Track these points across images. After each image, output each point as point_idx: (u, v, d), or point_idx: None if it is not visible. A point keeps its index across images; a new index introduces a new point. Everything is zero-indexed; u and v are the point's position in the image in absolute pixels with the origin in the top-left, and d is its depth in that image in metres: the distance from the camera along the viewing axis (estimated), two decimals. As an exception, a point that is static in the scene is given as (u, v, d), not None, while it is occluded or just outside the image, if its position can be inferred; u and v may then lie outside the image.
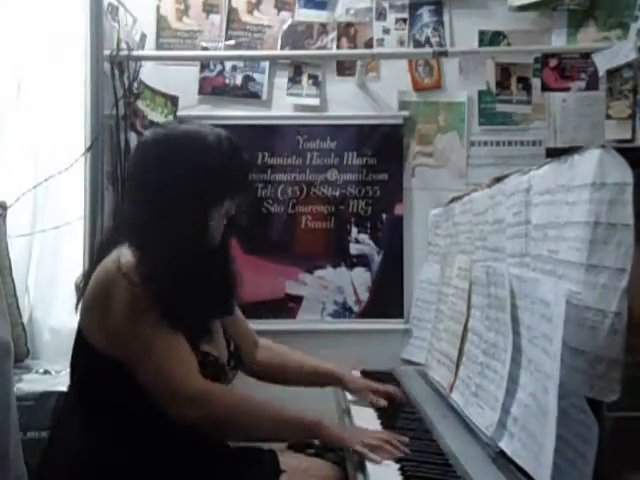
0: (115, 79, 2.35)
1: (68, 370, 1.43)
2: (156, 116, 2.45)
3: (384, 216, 2.57)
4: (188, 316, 1.30)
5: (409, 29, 2.56)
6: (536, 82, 2.49)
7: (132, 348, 1.27)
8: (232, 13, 2.59)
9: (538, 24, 2.53)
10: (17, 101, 2.32)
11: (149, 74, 2.49)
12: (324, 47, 2.57)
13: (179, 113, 2.49)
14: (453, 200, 2.10)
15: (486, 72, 2.52)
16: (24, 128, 2.33)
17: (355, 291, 2.57)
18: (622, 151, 1.01)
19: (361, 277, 2.57)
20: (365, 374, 1.86)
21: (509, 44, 2.54)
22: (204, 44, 2.58)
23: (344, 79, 2.58)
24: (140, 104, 2.43)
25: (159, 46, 2.57)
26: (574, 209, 1.11)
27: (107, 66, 2.32)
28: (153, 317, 1.26)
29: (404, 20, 2.56)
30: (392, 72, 2.58)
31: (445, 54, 2.42)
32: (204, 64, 2.57)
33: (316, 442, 1.51)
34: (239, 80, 2.59)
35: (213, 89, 2.59)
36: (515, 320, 1.23)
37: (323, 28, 2.57)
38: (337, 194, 2.58)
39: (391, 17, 2.56)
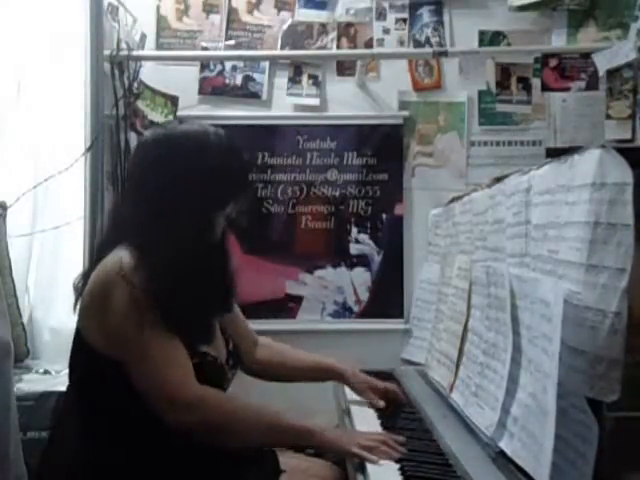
0: (115, 79, 2.35)
1: (67, 370, 1.43)
2: (156, 116, 2.45)
3: (384, 216, 2.57)
4: (188, 317, 1.30)
5: (409, 29, 2.57)
6: (536, 82, 2.49)
7: (129, 350, 1.27)
8: (232, 13, 2.59)
9: (538, 24, 2.53)
10: (17, 101, 2.32)
11: (149, 74, 2.49)
12: (324, 47, 2.57)
13: (179, 113, 2.49)
14: (453, 200, 2.10)
15: (486, 72, 2.52)
16: (24, 128, 2.33)
17: (355, 291, 2.57)
18: (622, 151, 1.01)
19: (361, 277, 2.57)
20: (365, 374, 1.86)
21: (509, 44, 2.54)
22: (204, 44, 2.58)
23: (344, 79, 2.58)
24: (140, 104, 2.43)
25: (159, 46, 2.57)
26: (574, 209, 1.11)
27: (107, 66, 2.32)
28: (151, 319, 1.26)
29: (404, 20, 2.56)
30: (392, 72, 2.58)
31: (445, 54, 2.42)
32: (204, 64, 2.58)
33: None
34: (239, 80, 2.59)
35: (213, 89, 2.59)
36: (515, 320, 1.23)
37: (323, 28, 2.57)
38: (337, 194, 2.58)
39: (391, 17, 2.56)
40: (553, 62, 2.45)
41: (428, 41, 2.55)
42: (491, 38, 2.55)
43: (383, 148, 2.56)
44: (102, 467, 1.28)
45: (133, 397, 1.27)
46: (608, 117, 2.19)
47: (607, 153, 1.03)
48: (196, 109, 2.56)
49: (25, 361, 2.28)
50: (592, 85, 2.43)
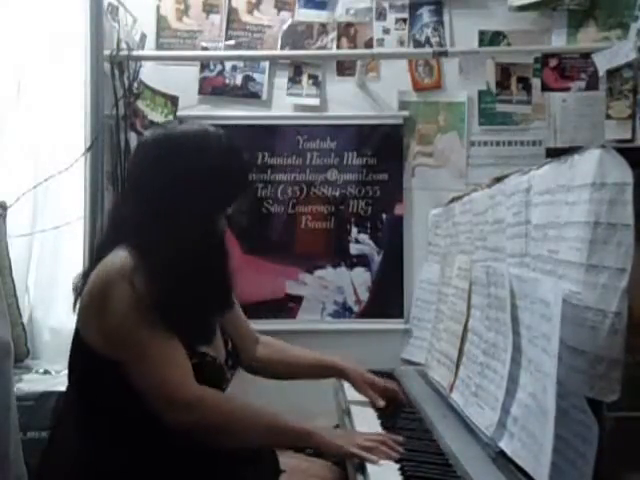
0: (115, 79, 2.36)
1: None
2: (156, 116, 2.45)
3: (384, 216, 2.57)
4: (188, 317, 1.30)
5: (409, 29, 2.57)
6: (536, 82, 2.49)
7: (128, 350, 1.27)
8: (232, 13, 2.59)
9: (538, 24, 2.53)
10: (17, 101, 2.33)
11: (149, 74, 2.49)
12: (324, 47, 2.57)
13: (179, 113, 2.49)
14: (453, 200, 2.10)
15: (486, 72, 2.52)
16: (24, 128, 2.33)
17: (355, 291, 2.57)
18: (622, 151, 1.01)
19: (361, 277, 2.57)
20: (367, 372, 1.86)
21: (509, 44, 2.54)
22: (204, 44, 2.58)
23: (344, 79, 2.58)
24: (140, 104, 2.43)
25: (159, 46, 2.57)
26: (574, 209, 1.11)
27: (107, 66, 2.32)
28: (151, 320, 1.25)
29: (404, 20, 2.56)
30: (392, 72, 2.58)
31: (445, 54, 2.42)
32: (204, 64, 2.58)
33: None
34: (239, 80, 2.59)
35: (213, 89, 2.59)
36: (515, 320, 1.23)
37: (323, 28, 2.57)
38: (337, 194, 2.58)
39: (391, 17, 2.56)
40: (553, 62, 2.45)
41: (428, 41, 2.55)
42: (491, 38, 2.55)
43: (383, 148, 2.56)
44: (102, 467, 1.28)
45: (132, 397, 1.27)
46: (608, 117, 2.20)
47: (607, 153, 1.03)
48: (196, 109, 2.56)
49: (25, 361, 2.28)
50: (592, 85, 2.44)
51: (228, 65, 2.58)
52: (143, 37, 2.53)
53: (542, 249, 1.25)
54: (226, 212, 1.42)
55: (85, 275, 1.37)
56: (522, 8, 2.48)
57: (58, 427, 1.46)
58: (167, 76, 2.53)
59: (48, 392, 1.96)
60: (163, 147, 1.38)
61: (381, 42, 2.56)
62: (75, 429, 1.33)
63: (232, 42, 2.57)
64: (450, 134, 2.57)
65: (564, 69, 2.45)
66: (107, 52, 2.31)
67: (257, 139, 2.56)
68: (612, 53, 2.15)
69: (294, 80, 2.57)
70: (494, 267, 1.40)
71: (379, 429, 1.46)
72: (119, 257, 1.29)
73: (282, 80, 2.58)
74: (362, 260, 2.57)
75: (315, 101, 2.57)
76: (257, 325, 1.72)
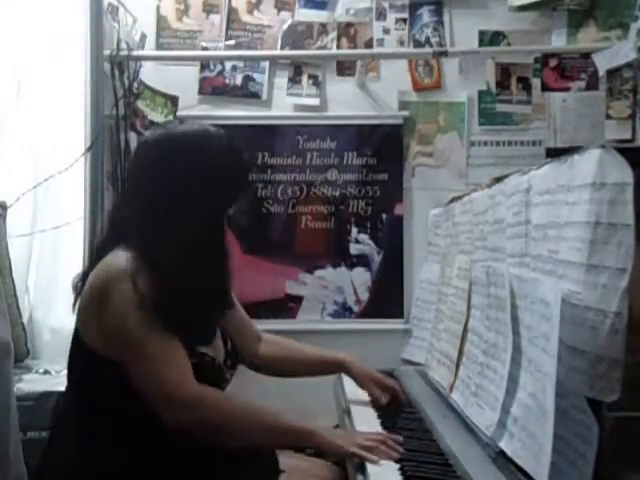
0: (115, 79, 2.36)
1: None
2: (156, 116, 2.45)
3: (384, 216, 2.57)
4: (188, 318, 1.30)
5: (409, 29, 2.57)
6: (536, 82, 2.49)
7: (127, 349, 1.27)
8: (232, 13, 2.59)
9: (538, 24, 2.53)
10: (17, 101, 2.32)
11: (149, 74, 2.49)
12: (324, 47, 2.57)
13: (179, 113, 2.49)
14: (453, 200, 2.10)
15: (486, 72, 2.52)
16: (24, 128, 2.33)
17: (355, 291, 2.57)
18: (622, 151, 1.01)
19: (361, 277, 2.57)
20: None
21: (509, 44, 2.54)
22: (204, 44, 2.58)
23: (344, 79, 2.58)
24: (140, 104, 2.43)
25: (159, 46, 2.57)
26: (574, 209, 1.11)
27: (107, 66, 2.32)
28: (151, 320, 1.25)
29: (404, 20, 2.56)
30: (392, 72, 2.58)
31: (445, 54, 2.42)
32: (204, 64, 2.58)
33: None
34: (239, 80, 2.59)
35: (213, 89, 2.59)
36: (515, 320, 1.23)
37: (323, 28, 2.57)
38: (337, 194, 2.58)
39: (391, 17, 2.56)
40: (553, 62, 2.45)
41: (428, 41, 2.55)
42: (491, 38, 2.55)
43: (383, 148, 2.56)
44: (101, 467, 1.28)
45: (132, 397, 1.27)
46: (608, 117, 2.20)
47: (607, 153, 1.03)
48: (196, 109, 2.56)
49: (25, 361, 2.28)
50: (592, 85, 2.44)
51: (228, 65, 2.58)
52: (143, 37, 2.53)
53: (542, 249, 1.25)
54: (226, 212, 1.42)
55: (85, 275, 1.37)
56: (522, 8, 2.48)
57: (58, 427, 1.46)
58: (167, 76, 2.53)
59: (48, 392, 1.96)
60: (163, 147, 1.38)
61: (381, 42, 2.56)
62: (75, 429, 1.33)
63: (232, 42, 2.57)
64: (450, 134, 2.57)
65: (564, 69, 2.45)
66: (107, 52, 2.31)
67: (257, 139, 2.56)
68: (612, 53, 2.15)
69: (294, 80, 2.57)
70: (494, 267, 1.40)
71: (379, 429, 1.46)
72: (119, 257, 1.29)
73: (282, 80, 2.58)
74: (362, 260, 2.57)
75: (315, 101, 2.57)
76: (257, 325, 1.72)
